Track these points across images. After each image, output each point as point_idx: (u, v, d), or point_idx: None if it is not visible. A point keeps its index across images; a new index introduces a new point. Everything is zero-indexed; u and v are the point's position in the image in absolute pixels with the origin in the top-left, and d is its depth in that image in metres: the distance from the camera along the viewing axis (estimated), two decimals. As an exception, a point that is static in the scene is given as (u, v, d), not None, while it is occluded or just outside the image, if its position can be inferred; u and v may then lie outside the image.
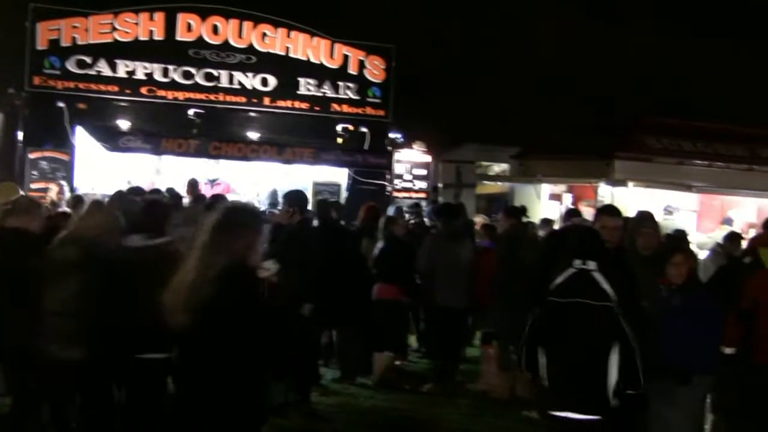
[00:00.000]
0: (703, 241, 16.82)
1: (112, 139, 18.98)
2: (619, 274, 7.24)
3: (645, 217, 9.47)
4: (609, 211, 8.74)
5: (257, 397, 5.55)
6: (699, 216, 20.12)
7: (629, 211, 11.82)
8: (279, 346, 5.94)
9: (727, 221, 18.28)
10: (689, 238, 15.35)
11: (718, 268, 10.99)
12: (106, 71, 20.25)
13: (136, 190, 14.27)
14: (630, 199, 18.04)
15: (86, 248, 7.51)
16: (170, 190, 16.00)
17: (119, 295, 7.18)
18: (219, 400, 5.38)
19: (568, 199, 21.42)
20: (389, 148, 22.90)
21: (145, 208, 8.26)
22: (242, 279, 5.42)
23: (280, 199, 18.39)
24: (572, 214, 14.21)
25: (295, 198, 11.08)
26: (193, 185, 17.79)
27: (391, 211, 14.18)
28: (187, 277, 5.45)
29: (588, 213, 15.35)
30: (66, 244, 7.69)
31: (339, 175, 22.10)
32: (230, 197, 16.74)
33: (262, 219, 6.22)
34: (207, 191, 18.48)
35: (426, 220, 16.04)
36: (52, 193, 17.29)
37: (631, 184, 18.82)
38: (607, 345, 6.85)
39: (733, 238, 13.66)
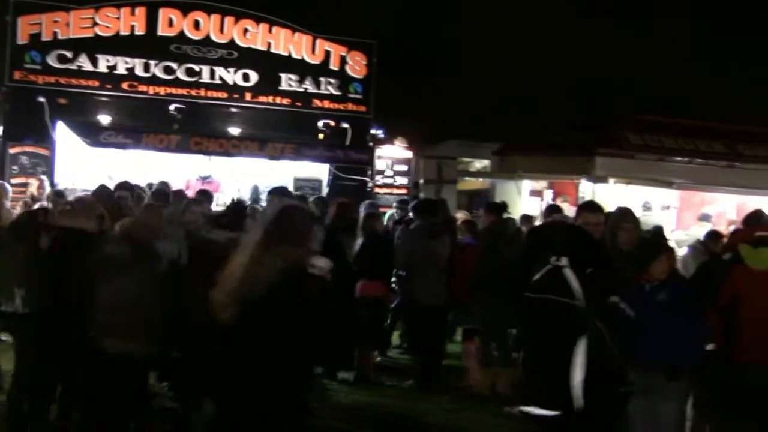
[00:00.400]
0: (681, 238, 16.88)
1: (92, 134, 18.91)
2: (596, 272, 7.27)
3: (625, 213, 9.50)
4: (591, 207, 8.79)
5: (299, 394, 5.58)
6: (679, 212, 20.24)
7: (610, 207, 11.88)
8: (323, 345, 5.97)
9: (704, 217, 18.36)
10: (670, 234, 15.46)
11: (700, 265, 11.04)
12: (87, 66, 20.17)
13: (124, 185, 14.26)
14: (610, 195, 18.11)
15: (140, 245, 7.98)
16: (151, 185, 15.98)
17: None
18: (261, 397, 5.39)
19: (549, 196, 21.51)
20: (370, 144, 22.88)
21: (231, 208, 9.26)
22: (293, 279, 5.42)
23: (262, 195, 18.41)
24: (553, 210, 14.23)
25: (284, 194, 11.28)
26: (164, 185, 17.67)
27: (362, 207, 14.07)
28: (235, 273, 5.44)
29: (565, 209, 15.42)
30: (122, 241, 8.10)
31: (320, 171, 22.07)
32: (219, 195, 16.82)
33: (315, 219, 6.27)
34: (198, 187, 18.43)
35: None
36: (32, 188, 17.28)
37: (612, 180, 18.90)
38: (572, 342, 6.88)
39: (714, 235, 13.72)
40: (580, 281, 7.01)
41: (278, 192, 11.57)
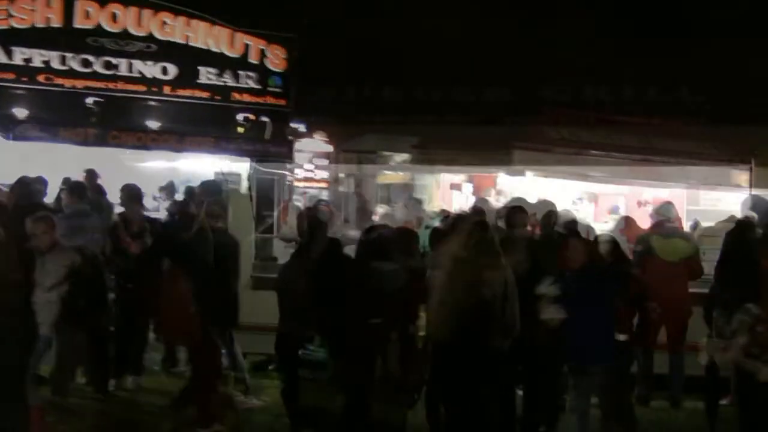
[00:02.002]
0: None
1: (8, 128, 18.66)
2: None
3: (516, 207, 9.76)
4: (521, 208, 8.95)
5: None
6: (596, 206, 20.53)
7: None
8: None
9: (615, 210, 18.65)
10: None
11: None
12: (2, 58, 19.81)
13: (38, 180, 14.22)
14: (528, 188, 18.33)
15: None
16: (68, 180, 15.80)
17: None
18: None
19: (468, 189, 21.65)
20: (290, 137, 22.83)
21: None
22: (491, 294, 5.36)
23: (178, 189, 18.27)
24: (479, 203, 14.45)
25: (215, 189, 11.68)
26: (91, 175, 17.47)
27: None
28: (440, 289, 5.40)
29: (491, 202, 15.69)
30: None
31: (240, 165, 21.96)
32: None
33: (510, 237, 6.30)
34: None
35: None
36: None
37: (529, 173, 19.09)
38: None
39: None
40: None
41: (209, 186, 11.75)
